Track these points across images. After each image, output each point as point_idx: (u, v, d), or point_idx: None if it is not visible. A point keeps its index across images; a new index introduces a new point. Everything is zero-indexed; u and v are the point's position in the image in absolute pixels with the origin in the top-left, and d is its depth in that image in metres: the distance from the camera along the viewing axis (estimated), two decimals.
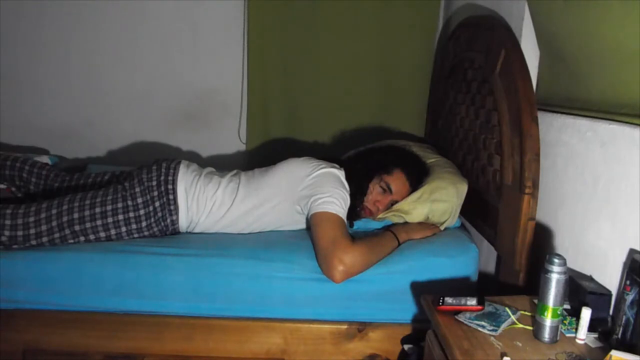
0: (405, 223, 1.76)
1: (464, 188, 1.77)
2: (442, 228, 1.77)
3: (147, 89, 2.61)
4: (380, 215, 1.79)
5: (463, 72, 2.02)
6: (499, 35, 1.68)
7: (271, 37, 2.45)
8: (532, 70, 1.62)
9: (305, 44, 2.46)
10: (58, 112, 2.60)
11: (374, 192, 1.77)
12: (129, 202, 1.65)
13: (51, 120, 2.59)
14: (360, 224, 1.80)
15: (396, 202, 1.78)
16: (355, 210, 1.74)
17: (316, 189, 1.63)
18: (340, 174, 1.71)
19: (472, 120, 1.90)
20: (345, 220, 1.61)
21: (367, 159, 1.84)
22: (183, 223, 1.70)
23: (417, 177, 1.82)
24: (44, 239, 1.59)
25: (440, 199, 1.74)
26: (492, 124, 1.71)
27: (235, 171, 1.84)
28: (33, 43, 2.52)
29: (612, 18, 1.23)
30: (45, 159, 2.14)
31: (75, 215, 1.60)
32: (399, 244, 1.65)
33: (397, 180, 1.77)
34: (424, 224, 1.75)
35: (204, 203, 1.70)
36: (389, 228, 1.71)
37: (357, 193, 1.73)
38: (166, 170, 1.72)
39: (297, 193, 1.67)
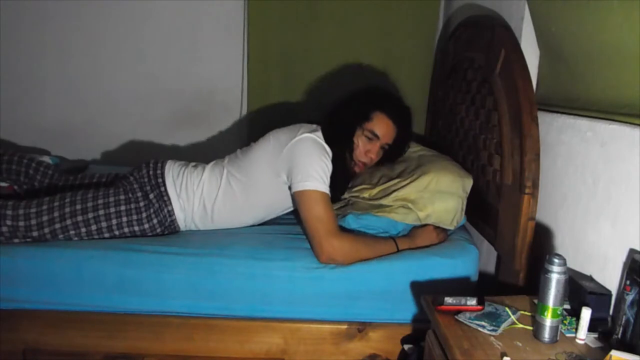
0: (414, 226, 1.73)
1: (469, 182, 1.74)
2: (453, 226, 1.73)
3: (148, 89, 2.61)
4: (384, 202, 1.73)
5: (463, 72, 2.02)
6: (499, 35, 1.68)
7: (271, 37, 2.45)
8: (532, 70, 1.62)
9: (305, 44, 2.47)
10: (59, 112, 2.60)
11: (361, 143, 1.74)
12: (130, 195, 1.68)
13: (52, 120, 2.60)
14: (363, 224, 1.74)
15: (387, 144, 1.75)
16: (347, 169, 1.73)
17: (295, 160, 1.62)
18: (319, 136, 1.68)
19: (472, 120, 1.90)
20: (329, 191, 1.61)
21: (342, 113, 1.76)
22: (179, 214, 1.71)
23: (399, 113, 1.77)
24: (46, 230, 1.59)
25: (447, 191, 1.69)
26: (492, 124, 1.71)
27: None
28: (33, 43, 2.53)
29: (612, 18, 1.23)
30: (46, 159, 2.14)
31: (78, 207, 1.62)
32: (398, 250, 1.63)
33: (380, 124, 1.73)
34: (430, 230, 1.70)
35: (192, 191, 1.72)
36: (392, 237, 1.68)
37: (345, 151, 1.71)
38: (154, 166, 1.76)
39: (278, 163, 1.66)
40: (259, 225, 1.82)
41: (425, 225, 1.71)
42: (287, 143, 1.66)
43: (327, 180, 1.62)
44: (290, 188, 1.66)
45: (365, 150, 1.74)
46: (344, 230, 1.66)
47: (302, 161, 1.62)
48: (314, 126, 1.74)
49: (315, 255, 1.58)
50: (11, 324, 1.55)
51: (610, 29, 1.25)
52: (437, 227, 1.71)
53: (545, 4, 1.54)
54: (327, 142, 1.70)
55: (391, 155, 1.83)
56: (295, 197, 1.63)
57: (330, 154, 1.68)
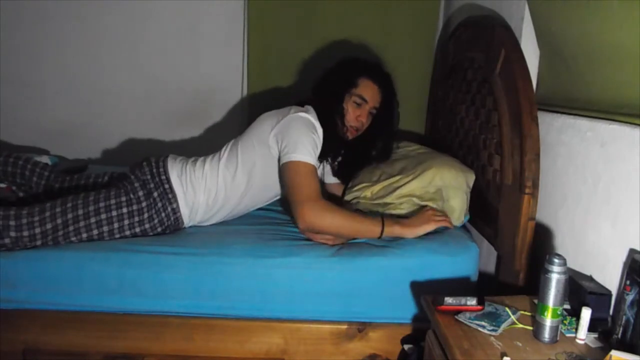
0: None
1: (472, 177, 1.76)
2: (460, 221, 1.74)
3: (148, 89, 2.61)
4: (388, 200, 1.74)
5: (463, 72, 2.02)
6: (499, 35, 1.68)
7: (271, 36, 2.45)
8: (532, 70, 1.62)
9: (305, 44, 2.47)
10: (59, 112, 2.60)
11: (350, 109, 1.81)
12: (131, 196, 1.67)
13: (52, 120, 2.60)
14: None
15: (374, 108, 1.83)
16: (339, 136, 1.79)
17: (286, 137, 1.66)
18: (311, 115, 1.73)
19: (472, 120, 1.90)
20: (316, 165, 1.65)
21: (329, 83, 1.85)
22: (184, 210, 1.72)
23: (382, 77, 1.85)
24: (49, 238, 1.58)
25: (452, 186, 1.71)
26: (492, 124, 1.71)
27: None
28: (33, 43, 2.53)
29: (612, 18, 1.23)
30: (45, 159, 2.15)
31: (80, 212, 1.61)
32: (382, 231, 1.60)
33: (366, 88, 1.81)
34: (427, 214, 1.64)
35: (197, 183, 1.73)
36: (381, 215, 1.66)
37: (336, 119, 1.79)
38: (156, 164, 1.76)
39: (270, 139, 1.70)
40: (259, 225, 1.82)
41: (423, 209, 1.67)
42: (279, 121, 1.71)
43: (315, 155, 1.66)
44: (279, 161, 1.68)
45: (355, 115, 1.82)
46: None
47: (291, 136, 1.65)
48: (305, 107, 1.80)
49: (296, 224, 1.59)
50: (11, 324, 1.55)
51: (610, 28, 1.25)
52: (436, 210, 1.68)
53: (545, 4, 1.54)
54: (318, 113, 1.77)
55: (381, 122, 1.88)
56: (282, 170, 1.65)
57: (321, 130, 1.73)
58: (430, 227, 1.65)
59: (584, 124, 1.38)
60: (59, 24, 2.51)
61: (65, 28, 2.52)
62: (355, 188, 1.84)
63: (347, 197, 1.85)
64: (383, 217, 1.64)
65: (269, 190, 1.82)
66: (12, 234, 1.55)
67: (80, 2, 2.49)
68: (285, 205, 1.97)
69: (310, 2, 2.42)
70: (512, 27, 1.73)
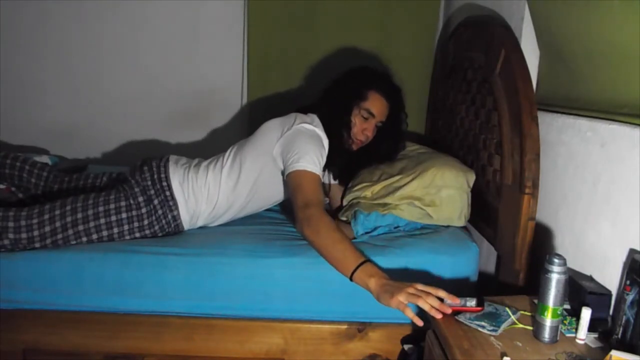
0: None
1: (472, 176, 1.76)
2: (462, 221, 1.74)
3: (148, 89, 2.61)
4: (389, 200, 1.74)
5: (463, 72, 2.02)
6: (499, 35, 1.68)
7: (271, 37, 2.45)
8: (532, 70, 1.62)
9: (305, 44, 2.47)
10: (58, 112, 2.60)
11: (358, 122, 1.79)
12: (131, 201, 1.66)
13: (52, 120, 2.60)
14: (371, 225, 1.72)
15: (381, 122, 1.82)
16: (344, 147, 1.79)
17: (291, 148, 1.64)
18: (317, 126, 1.73)
19: (472, 120, 1.90)
20: (321, 174, 1.63)
21: (338, 94, 1.83)
22: (185, 217, 1.71)
23: (391, 91, 1.84)
24: (48, 241, 1.58)
25: (452, 185, 1.71)
26: (492, 124, 1.71)
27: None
28: (34, 43, 2.53)
29: (612, 18, 1.23)
30: (45, 159, 2.14)
31: (79, 215, 1.60)
32: (354, 271, 1.35)
33: (375, 102, 1.80)
34: (404, 294, 1.26)
35: (199, 192, 1.72)
36: (369, 260, 1.39)
37: (343, 130, 1.78)
38: (157, 169, 1.74)
39: (275, 150, 1.69)
40: (259, 225, 1.82)
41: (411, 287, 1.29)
42: (284, 133, 1.69)
43: (320, 166, 1.65)
44: (283, 174, 1.67)
45: (362, 128, 1.81)
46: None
47: (297, 147, 1.64)
48: (309, 116, 1.79)
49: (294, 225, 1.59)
50: (11, 324, 1.55)
51: (610, 28, 1.25)
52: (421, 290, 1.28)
53: (545, 4, 1.54)
54: (324, 123, 1.76)
55: (387, 133, 1.88)
56: (287, 179, 1.63)
57: (327, 142, 1.72)
58: (394, 307, 1.28)
59: (584, 124, 1.38)
60: (59, 24, 2.51)
61: (65, 28, 2.52)
62: (356, 188, 1.84)
63: (348, 197, 1.85)
64: (367, 262, 1.37)
65: (271, 198, 1.82)
66: (11, 235, 1.55)
67: (80, 2, 2.49)
68: (284, 205, 1.98)
69: (310, 2, 2.42)
70: (512, 27, 1.73)
